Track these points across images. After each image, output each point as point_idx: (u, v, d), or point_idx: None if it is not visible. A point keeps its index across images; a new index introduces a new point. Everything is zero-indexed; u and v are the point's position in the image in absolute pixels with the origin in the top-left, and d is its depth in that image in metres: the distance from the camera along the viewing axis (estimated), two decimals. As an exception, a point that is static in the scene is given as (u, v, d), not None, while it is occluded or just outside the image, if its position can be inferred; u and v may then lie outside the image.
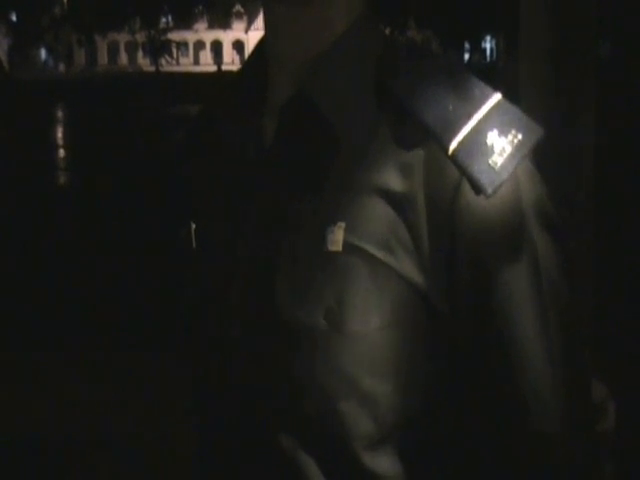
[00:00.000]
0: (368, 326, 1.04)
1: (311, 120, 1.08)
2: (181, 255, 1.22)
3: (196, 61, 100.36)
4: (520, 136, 1.02)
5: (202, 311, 1.16)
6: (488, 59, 78.94)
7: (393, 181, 1.03)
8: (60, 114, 30.74)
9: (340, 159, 1.06)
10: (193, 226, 1.19)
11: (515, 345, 1.04)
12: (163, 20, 70.75)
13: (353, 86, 1.08)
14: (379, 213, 1.04)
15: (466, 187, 1.01)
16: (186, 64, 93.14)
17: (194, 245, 1.18)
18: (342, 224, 1.04)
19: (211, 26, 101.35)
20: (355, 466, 1.07)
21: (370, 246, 1.03)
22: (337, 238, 1.04)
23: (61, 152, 19.85)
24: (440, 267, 1.03)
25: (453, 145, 1.01)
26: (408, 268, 1.03)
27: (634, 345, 5.55)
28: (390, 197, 1.04)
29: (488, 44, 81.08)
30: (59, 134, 24.51)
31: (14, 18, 53.55)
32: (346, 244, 1.03)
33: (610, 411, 1.90)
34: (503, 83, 1.17)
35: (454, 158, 1.01)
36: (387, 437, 1.07)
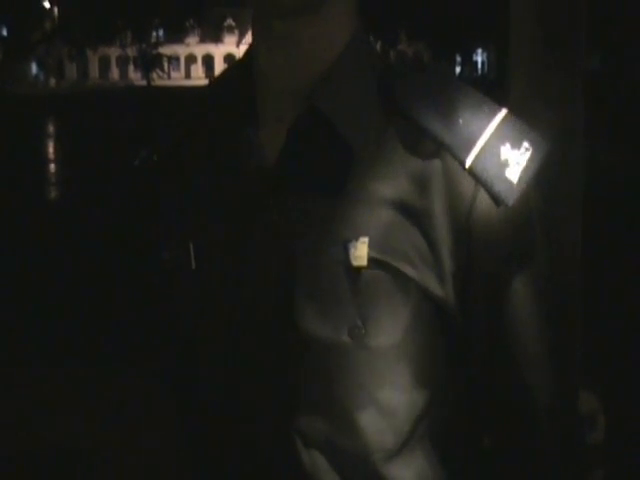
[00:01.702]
0: (390, 340, 1.07)
1: (323, 135, 1.08)
2: (173, 277, 1.18)
3: (187, 75, 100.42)
4: (531, 149, 1.07)
5: (204, 331, 1.14)
6: (479, 72, 79.11)
7: (410, 194, 1.06)
8: (51, 128, 30.71)
9: (355, 173, 1.07)
10: (191, 246, 1.16)
11: (520, 344, 1.10)
12: (154, 34, 70.72)
13: (361, 101, 1.10)
14: (398, 226, 1.06)
15: (482, 199, 1.06)
16: (177, 78, 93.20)
17: (193, 266, 1.15)
18: (365, 239, 1.05)
19: (203, 40, 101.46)
20: (375, 479, 1.09)
21: (393, 260, 1.05)
22: (361, 253, 1.05)
23: (52, 166, 19.82)
24: (456, 276, 1.07)
25: (470, 159, 1.05)
26: (428, 280, 1.06)
27: (624, 353, 5.56)
28: (408, 210, 1.06)
29: (479, 57, 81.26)
30: (50, 148, 24.48)
31: (4, 32, 53.53)
32: (370, 259, 1.05)
33: (600, 423, 1.91)
34: (494, 95, 1.18)
35: (472, 172, 1.05)
36: (404, 447, 1.10)
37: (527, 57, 2.16)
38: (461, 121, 1.07)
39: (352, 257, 1.05)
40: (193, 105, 1.25)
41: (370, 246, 1.05)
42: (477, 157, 1.05)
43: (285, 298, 1.07)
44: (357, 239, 1.05)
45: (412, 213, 1.06)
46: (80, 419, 4.95)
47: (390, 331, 1.06)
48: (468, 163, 1.05)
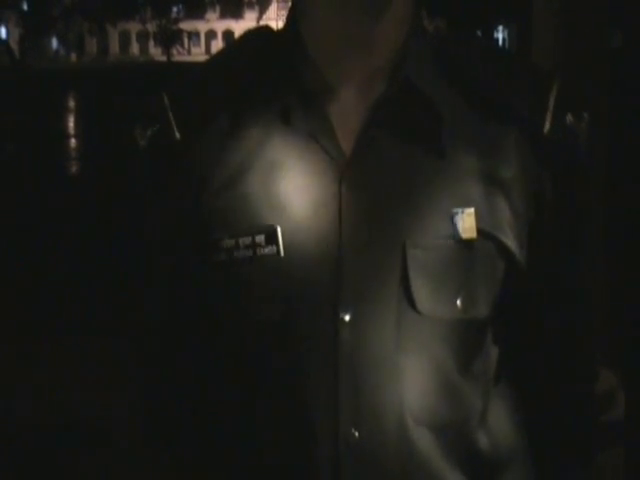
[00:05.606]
0: (489, 309, 1.10)
1: (413, 107, 1.08)
2: (240, 265, 1.08)
3: (208, 51, 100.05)
4: (587, 115, 1.12)
5: (293, 316, 1.07)
6: (500, 49, 78.56)
7: (491, 162, 1.08)
8: (72, 103, 30.74)
9: (447, 144, 1.08)
10: (279, 231, 1.07)
11: (572, 303, 1.17)
12: (174, 9, 70.56)
13: (435, 72, 1.11)
14: (490, 195, 1.08)
15: (556, 164, 1.10)
16: (198, 54, 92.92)
17: (282, 252, 1.07)
18: (471, 210, 1.06)
19: (223, 16, 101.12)
20: (471, 447, 1.12)
21: (494, 229, 1.08)
22: (469, 225, 1.06)
23: (72, 141, 19.86)
24: (529, 241, 1.11)
25: (547, 126, 1.09)
26: (514, 247, 1.09)
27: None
28: (493, 178, 1.08)
29: (500, 34, 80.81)
30: (70, 123, 24.51)
31: (25, 7, 53.54)
32: (478, 230, 1.06)
33: (619, 400, 1.90)
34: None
35: (549, 138, 1.09)
36: (486, 409, 1.13)
37: (549, 35, 2.15)
38: (525, 89, 1.10)
39: (460, 229, 1.05)
40: (213, 77, 1.17)
41: (476, 217, 1.06)
42: (551, 123, 1.09)
43: (400, 277, 1.05)
44: (463, 211, 1.06)
45: (496, 181, 1.08)
46: (93, 387, 4.98)
47: (490, 301, 1.09)
48: (546, 130, 1.09)
